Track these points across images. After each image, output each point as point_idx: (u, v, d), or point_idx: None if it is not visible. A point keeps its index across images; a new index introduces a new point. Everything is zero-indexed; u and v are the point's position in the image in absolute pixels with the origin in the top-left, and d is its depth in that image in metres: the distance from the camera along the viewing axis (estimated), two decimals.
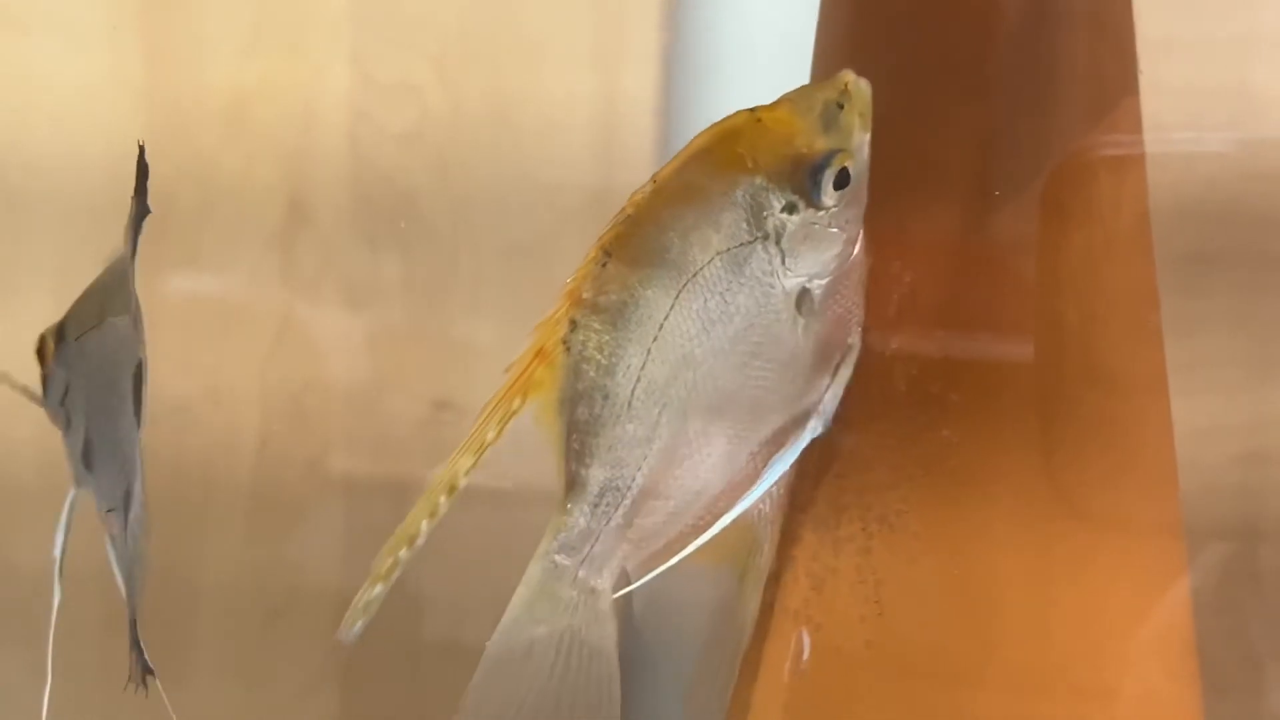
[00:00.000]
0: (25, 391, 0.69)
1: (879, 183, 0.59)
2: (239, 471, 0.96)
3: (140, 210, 0.67)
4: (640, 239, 0.56)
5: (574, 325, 0.57)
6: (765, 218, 0.57)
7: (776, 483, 0.59)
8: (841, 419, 0.60)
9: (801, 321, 0.58)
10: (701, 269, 0.56)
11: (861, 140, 0.57)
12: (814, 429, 0.59)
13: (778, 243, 0.57)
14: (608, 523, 0.57)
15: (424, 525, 0.57)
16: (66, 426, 0.68)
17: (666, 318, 0.56)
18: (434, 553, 0.87)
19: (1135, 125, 0.63)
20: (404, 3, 0.95)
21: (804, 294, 0.58)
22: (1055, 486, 0.61)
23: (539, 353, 0.57)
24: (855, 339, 0.59)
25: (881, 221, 0.59)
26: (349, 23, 0.95)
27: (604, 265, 0.56)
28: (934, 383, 0.61)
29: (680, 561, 0.59)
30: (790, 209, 0.57)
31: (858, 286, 0.59)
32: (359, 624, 0.57)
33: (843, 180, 0.57)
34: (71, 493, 0.69)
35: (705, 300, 0.57)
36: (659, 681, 0.68)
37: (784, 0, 0.76)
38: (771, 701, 0.63)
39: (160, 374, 0.92)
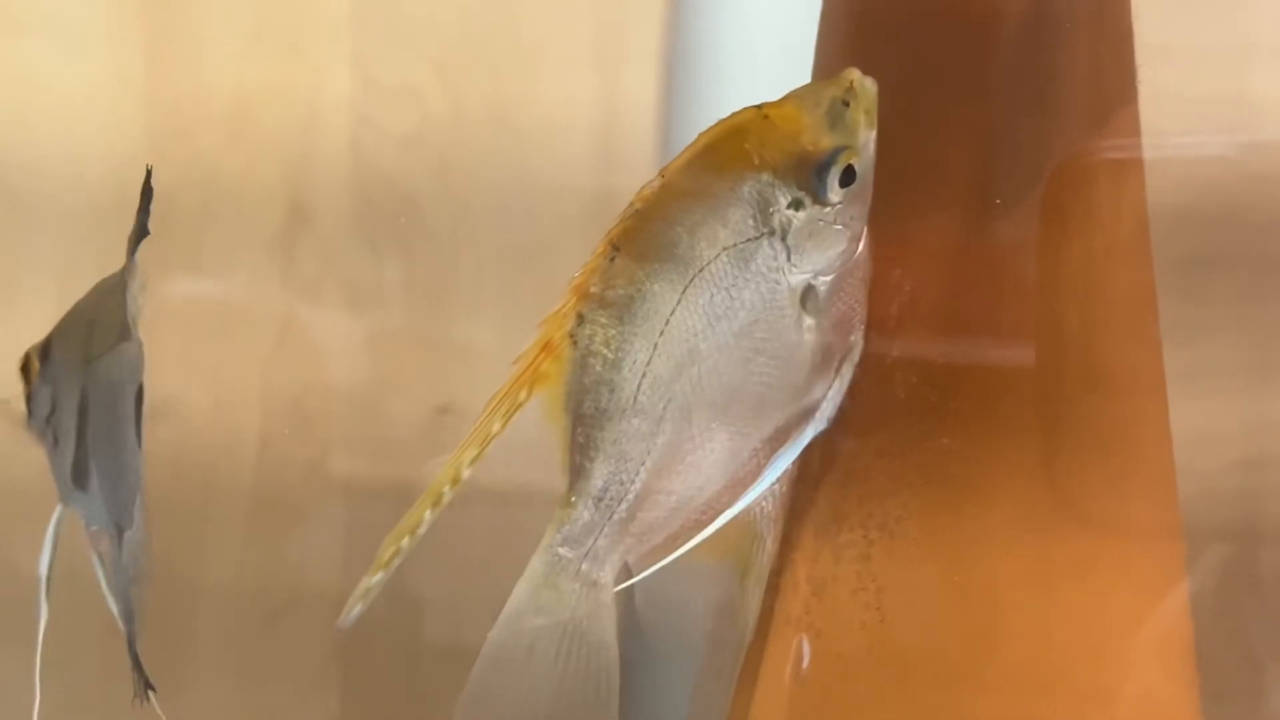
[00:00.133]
0: (6, 408, 0.69)
1: (880, 188, 0.59)
2: (240, 473, 0.96)
3: (140, 231, 0.67)
4: (648, 234, 0.57)
5: (581, 319, 0.57)
6: (772, 214, 0.57)
7: (779, 480, 0.60)
8: (842, 426, 0.60)
9: (806, 318, 0.58)
10: (708, 264, 0.57)
11: (867, 138, 0.57)
12: (816, 426, 0.59)
13: (783, 239, 0.57)
14: (611, 516, 0.58)
15: (428, 515, 0.57)
16: (54, 444, 0.68)
17: (673, 313, 0.57)
18: (434, 554, 0.87)
19: (1134, 131, 0.64)
20: (405, 6, 0.95)
21: (809, 291, 0.58)
22: (1055, 492, 0.61)
23: (546, 346, 0.57)
24: (858, 337, 0.59)
25: (882, 227, 0.59)
26: (350, 25, 0.95)
27: (612, 260, 0.57)
28: (934, 390, 0.61)
29: (682, 558, 0.59)
30: (796, 205, 0.57)
31: (861, 285, 0.59)
32: (358, 610, 0.57)
33: (848, 177, 0.57)
34: (58, 510, 0.69)
35: (712, 295, 0.57)
36: (659, 678, 0.68)
37: (785, 4, 0.76)
38: (773, 708, 0.64)
39: (161, 376, 0.92)
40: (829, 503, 0.62)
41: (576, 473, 0.58)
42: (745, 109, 0.58)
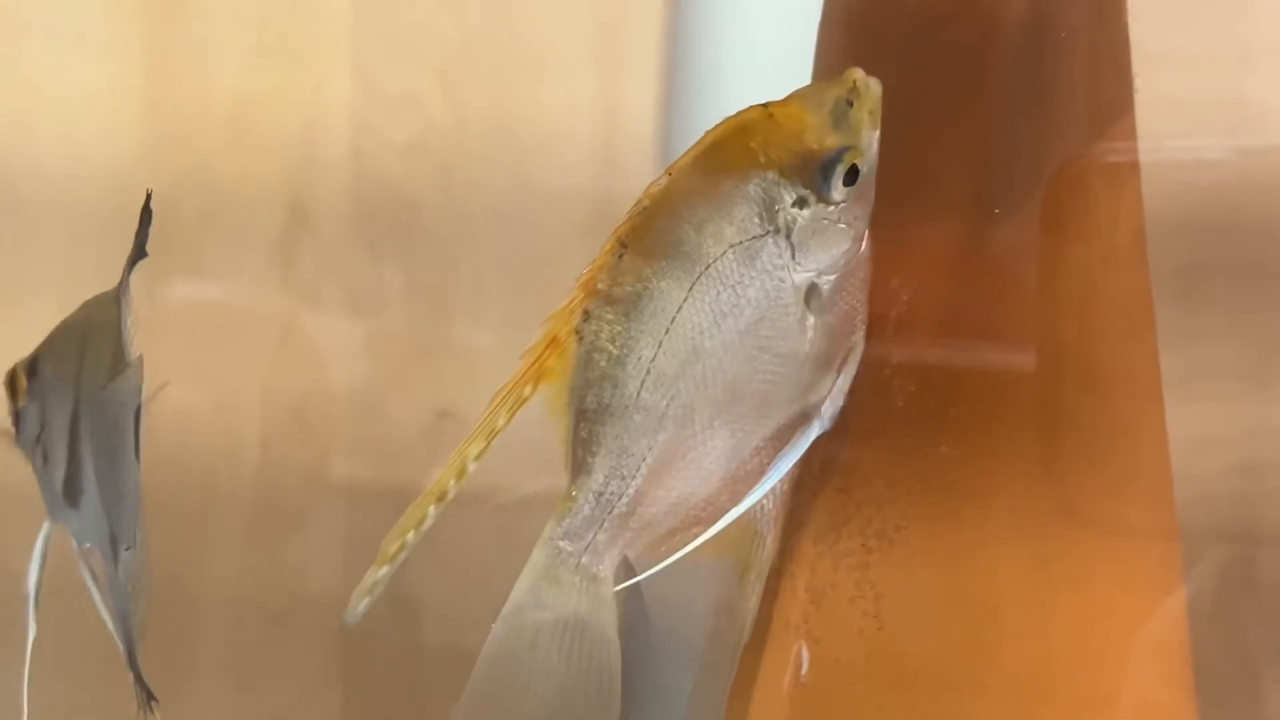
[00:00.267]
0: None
1: (879, 195, 0.59)
2: (240, 478, 0.96)
3: (137, 253, 0.67)
4: (655, 231, 0.57)
5: (587, 315, 0.57)
6: (777, 212, 0.57)
7: (780, 479, 0.60)
8: (841, 433, 0.61)
9: (809, 317, 0.58)
10: (714, 262, 0.57)
11: (870, 137, 0.58)
12: (819, 426, 0.59)
13: (788, 237, 0.57)
14: (611, 511, 0.58)
15: (433, 510, 0.57)
16: (43, 461, 0.68)
17: (679, 310, 0.57)
18: (435, 558, 0.87)
19: (1131, 138, 0.64)
20: (407, 13, 0.96)
21: (812, 289, 0.58)
22: (1054, 498, 0.61)
23: (552, 341, 0.57)
24: (860, 336, 0.60)
25: (881, 233, 0.60)
26: (352, 33, 0.95)
27: (620, 257, 0.57)
28: (932, 397, 0.61)
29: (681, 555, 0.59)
30: (801, 203, 0.57)
31: (863, 284, 0.59)
32: (364, 604, 0.58)
33: (852, 177, 0.57)
34: (46, 526, 0.69)
35: (718, 293, 0.57)
36: (658, 674, 0.68)
37: (784, 13, 0.77)
38: (771, 715, 0.64)
39: (162, 381, 0.93)
40: (828, 510, 0.62)
41: (578, 467, 0.58)
42: (751, 107, 0.58)
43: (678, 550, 0.59)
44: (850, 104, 0.57)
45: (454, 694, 0.59)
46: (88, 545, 0.67)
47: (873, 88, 0.57)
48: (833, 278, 0.58)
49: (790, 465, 0.59)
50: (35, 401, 0.67)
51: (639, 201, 0.57)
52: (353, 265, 0.95)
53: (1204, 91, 0.85)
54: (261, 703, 0.96)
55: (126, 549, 0.66)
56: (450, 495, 0.57)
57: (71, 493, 0.67)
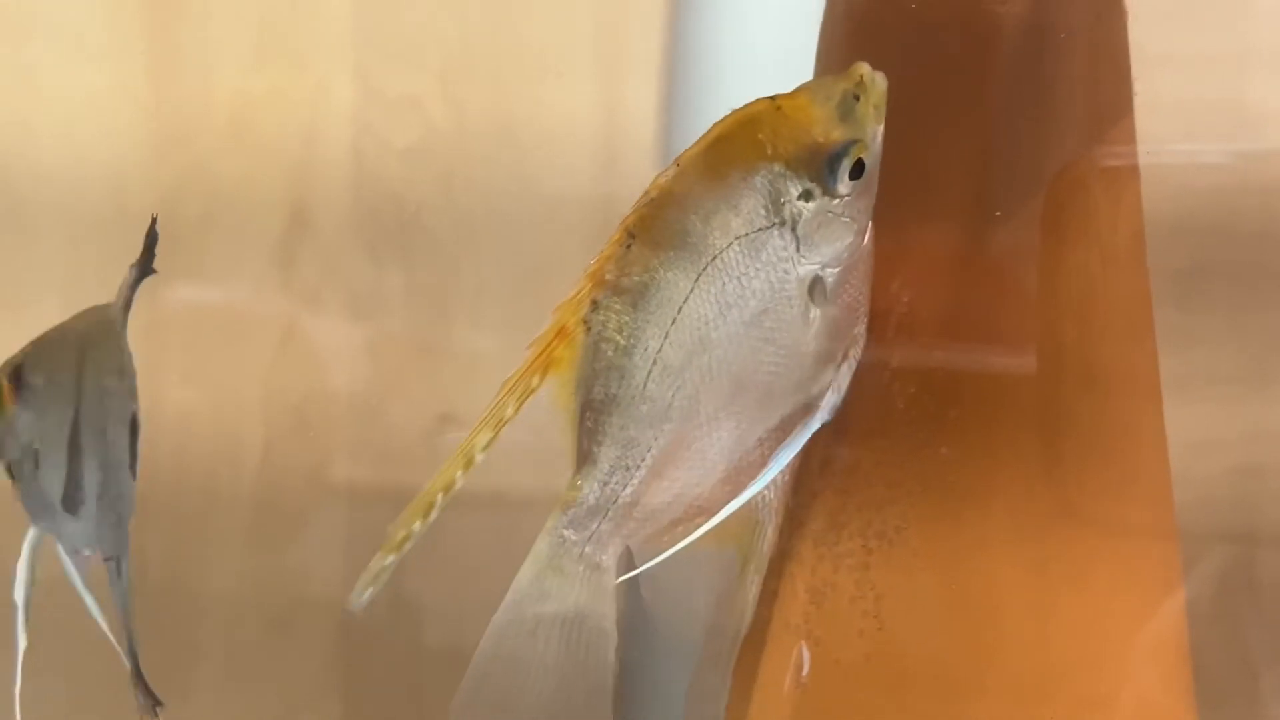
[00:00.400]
0: None
1: (879, 197, 0.59)
2: (241, 481, 0.96)
3: (143, 273, 0.67)
4: (663, 222, 0.57)
5: (595, 305, 0.57)
6: (783, 204, 0.57)
7: (782, 470, 0.60)
8: (841, 434, 0.61)
9: (813, 309, 0.59)
10: (721, 253, 0.57)
11: (876, 131, 0.58)
12: (821, 417, 0.60)
13: (793, 229, 0.58)
14: (615, 501, 0.58)
15: (439, 499, 0.57)
16: (34, 468, 0.68)
17: (686, 301, 0.57)
18: (436, 561, 0.87)
19: (1131, 141, 0.64)
20: (408, 17, 0.96)
21: (817, 282, 0.58)
22: (1054, 499, 0.61)
23: (560, 331, 0.57)
24: (862, 329, 0.60)
25: (881, 236, 0.60)
26: (353, 36, 0.95)
27: (628, 247, 0.57)
28: (932, 399, 0.61)
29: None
30: (806, 196, 0.57)
31: (866, 278, 0.60)
32: (369, 592, 0.58)
33: (857, 170, 0.57)
34: (32, 534, 0.69)
35: (724, 284, 0.57)
36: (657, 662, 0.68)
37: (785, 16, 0.77)
38: (772, 715, 0.64)
39: (163, 383, 0.93)
40: (828, 511, 0.62)
41: (584, 457, 0.58)
42: (758, 100, 0.58)
43: (680, 540, 0.59)
44: (857, 98, 0.58)
45: (454, 695, 0.59)
46: (86, 553, 0.67)
47: (879, 82, 0.58)
48: (836, 270, 0.59)
49: (792, 456, 0.59)
50: (28, 410, 0.67)
51: (647, 192, 0.58)
52: (353, 267, 0.95)
53: (1204, 94, 0.85)
54: (262, 705, 0.96)
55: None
56: (457, 485, 0.57)
57: (72, 501, 0.67)
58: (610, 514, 0.58)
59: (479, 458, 0.57)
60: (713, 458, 0.59)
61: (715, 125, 0.58)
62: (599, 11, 0.95)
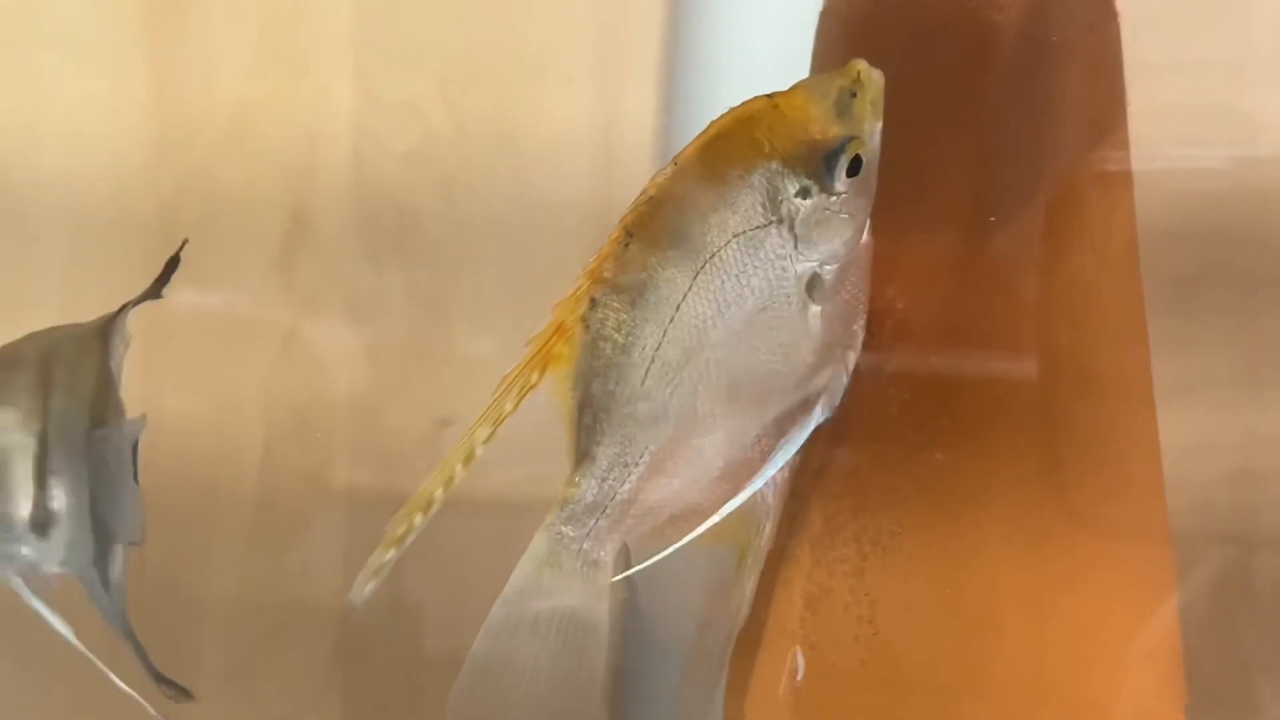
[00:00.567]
0: None
1: (876, 204, 0.59)
2: (242, 485, 0.96)
3: (151, 294, 0.67)
4: (661, 220, 0.58)
5: (594, 303, 0.58)
6: (780, 202, 0.57)
7: (779, 468, 0.60)
8: (837, 439, 0.61)
9: (811, 306, 0.59)
10: (719, 251, 0.57)
11: (873, 128, 0.58)
12: (819, 415, 0.60)
13: (791, 227, 0.58)
14: (613, 497, 0.59)
15: (439, 493, 0.58)
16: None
17: (684, 299, 0.57)
18: (436, 566, 0.87)
19: (1125, 149, 0.64)
20: (408, 22, 0.96)
21: (814, 279, 0.59)
22: (1049, 503, 0.61)
23: (559, 328, 0.58)
24: (860, 326, 0.60)
25: (877, 242, 0.60)
26: (353, 42, 0.95)
27: (626, 246, 0.58)
28: (928, 404, 0.61)
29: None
30: (804, 193, 0.58)
31: (864, 275, 0.60)
32: (370, 587, 0.58)
33: (855, 167, 0.58)
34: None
35: (722, 282, 0.58)
36: (652, 658, 0.68)
37: (783, 22, 0.77)
38: (767, 719, 0.64)
39: (164, 388, 0.93)
40: (823, 516, 0.62)
41: (582, 454, 0.59)
42: (756, 98, 0.58)
43: (678, 538, 0.59)
44: (853, 95, 0.58)
45: None
46: (56, 572, 0.67)
47: (875, 79, 0.58)
48: (834, 267, 0.59)
49: (790, 454, 0.60)
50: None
51: (645, 190, 0.58)
52: (354, 272, 0.96)
53: (1202, 101, 0.85)
54: (262, 708, 0.96)
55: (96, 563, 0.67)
56: (457, 479, 0.58)
57: (40, 525, 0.67)
58: (608, 511, 0.59)
59: (479, 452, 0.57)
60: (711, 455, 0.59)
61: (713, 123, 0.58)
62: (598, 17, 0.95)
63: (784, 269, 0.58)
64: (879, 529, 0.61)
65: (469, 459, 0.58)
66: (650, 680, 0.72)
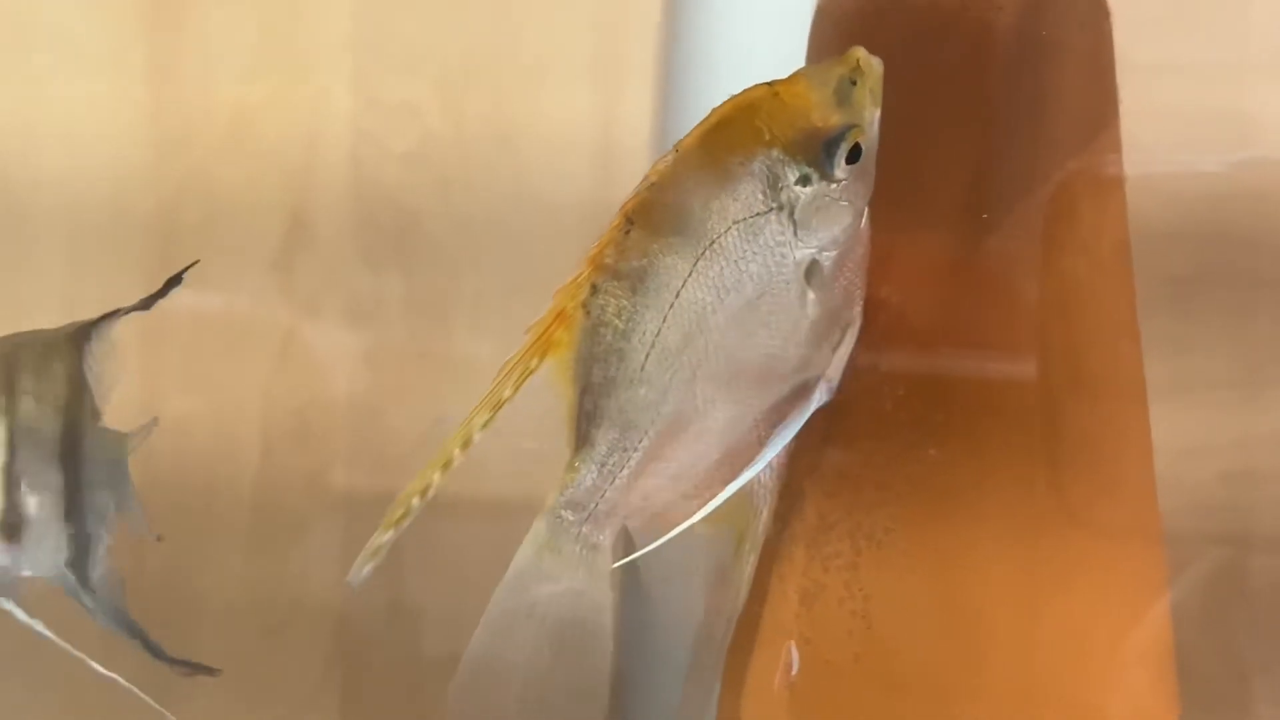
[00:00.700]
0: None
1: (871, 205, 0.59)
2: (241, 486, 0.96)
3: (144, 305, 0.67)
4: (662, 207, 0.58)
5: (595, 289, 0.58)
6: (780, 189, 0.58)
7: (777, 452, 0.60)
8: (831, 437, 0.61)
9: (810, 293, 0.59)
10: (718, 238, 0.58)
11: (873, 116, 0.58)
12: (816, 400, 0.60)
13: (791, 214, 0.58)
14: (613, 482, 0.59)
15: (437, 477, 0.58)
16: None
17: (684, 285, 0.58)
18: (433, 568, 0.87)
19: (1117, 151, 0.64)
20: (406, 25, 0.96)
21: (813, 265, 0.59)
22: (1041, 502, 0.61)
23: (559, 315, 0.58)
24: (858, 312, 0.60)
25: (872, 242, 0.60)
26: (352, 44, 0.96)
27: (627, 232, 0.58)
28: (921, 402, 0.61)
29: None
30: (804, 181, 0.58)
31: (861, 262, 0.60)
32: (368, 568, 0.58)
33: (854, 155, 0.58)
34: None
35: (722, 269, 0.58)
36: (654, 643, 0.68)
37: (780, 23, 0.77)
38: (762, 715, 0.64)
39: (163, 390, 0.93)
40: (817, 513, 0.62)
41: (582, 439, 0.59)
42: (756, 86, 0.58)
43: (677, 522, 0.60)
44: (853, 83, 0.58)
45: None
46: (26, 575, 0.67)
47: (875, 66, 0.58)
48: (833, 254, 0.59)
49: (789, 438, 0.60)
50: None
51: (646, 177, 0.58)
52: (353, 274, 0.96)
53: (1199, 102, 0.85)
54: (261, 710, 0.97)
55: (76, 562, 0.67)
56: (455, 463, 0.58)
57: (11, 528, 0.66)
58: (608, 495, 0.59)
59: (477, 437, 0.58)
60: (709, 440, 0.60)
61: (714, 111, 0.58)
62: (596, 18, 0.95)
63: (783, 255, 0.58)
64: (873, 525, 0.61)
65: (467, 444, 0.58)
66: (651, 664, 0.72)
